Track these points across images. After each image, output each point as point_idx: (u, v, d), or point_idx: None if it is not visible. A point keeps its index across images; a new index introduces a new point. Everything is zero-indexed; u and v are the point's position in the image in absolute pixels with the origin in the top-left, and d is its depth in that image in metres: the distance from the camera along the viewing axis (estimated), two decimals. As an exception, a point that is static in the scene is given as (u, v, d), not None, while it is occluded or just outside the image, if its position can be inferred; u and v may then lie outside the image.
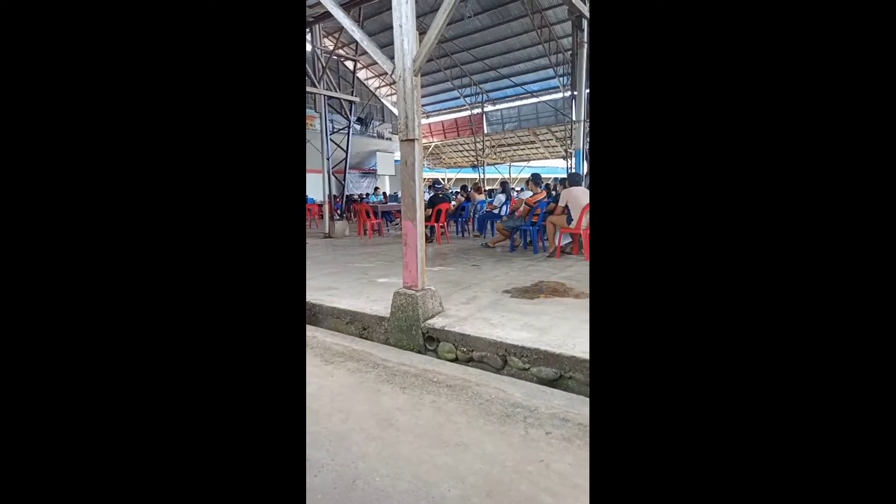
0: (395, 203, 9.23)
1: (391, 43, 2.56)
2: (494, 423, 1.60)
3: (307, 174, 5.53)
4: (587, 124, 8.75)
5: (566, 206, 4.76)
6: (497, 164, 19.81)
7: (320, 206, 9.37)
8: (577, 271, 3.97)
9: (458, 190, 10.97)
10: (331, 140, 8.31)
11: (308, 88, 7.47)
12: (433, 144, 19.62)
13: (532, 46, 13.57)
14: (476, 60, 14.99)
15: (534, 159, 19.42)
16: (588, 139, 8.60)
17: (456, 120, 19.14)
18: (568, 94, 11.06)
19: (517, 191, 10.40)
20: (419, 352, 2.49)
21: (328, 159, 8.23)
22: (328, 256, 5.54)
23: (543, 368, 2.09)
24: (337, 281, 3.85)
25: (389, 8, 2.53)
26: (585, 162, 8.55)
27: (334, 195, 8.49)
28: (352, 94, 8.53)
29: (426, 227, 5.03)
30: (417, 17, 2.58)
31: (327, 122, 8.19)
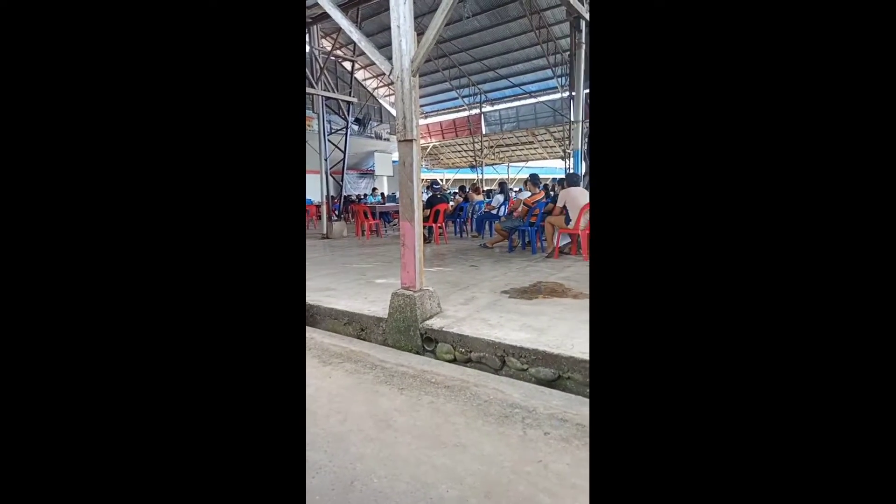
0: (392, 204, 9.21)
1: (389, 44, 2.56)
2: (493, 423, 1.60)
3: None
4: (585, 125, 8.77)
5: (564, 207, 4.77)
6: (495, 164, 19.82)
7: (318, 206, 9.35)
8: (575, 272, 3.98)
9: (457, 190, 10.97)
10: (328, 141, 8.30)
11: (306, 89, 7.47)
12: (431, 145, 19.61)
13: (530, 47, 13.60)
14: (474, 61, 15.01)
15: (532, 160, 19.43)
16: (586, 139, 8.62)
17: (454, 120, 19.16)
18: (566, 94, 11.10)
19: (515, 191, 10.40)
20: (417, 353, 2.49)
21: (326, 160, 8.22)
22: (326, 257, 5.53)
23: (542, 369, 2.09)
24: (335, 282, 3.84)
25: (387, 9, 2.53)
26: (583, 162, 8.57)
27: (332, 196, 8.48)
28: (349, 95, 8.53)
29: (424, 227, 5.04)
30: (415, 17, 2.59)
31: (325, 122, 8.19)
